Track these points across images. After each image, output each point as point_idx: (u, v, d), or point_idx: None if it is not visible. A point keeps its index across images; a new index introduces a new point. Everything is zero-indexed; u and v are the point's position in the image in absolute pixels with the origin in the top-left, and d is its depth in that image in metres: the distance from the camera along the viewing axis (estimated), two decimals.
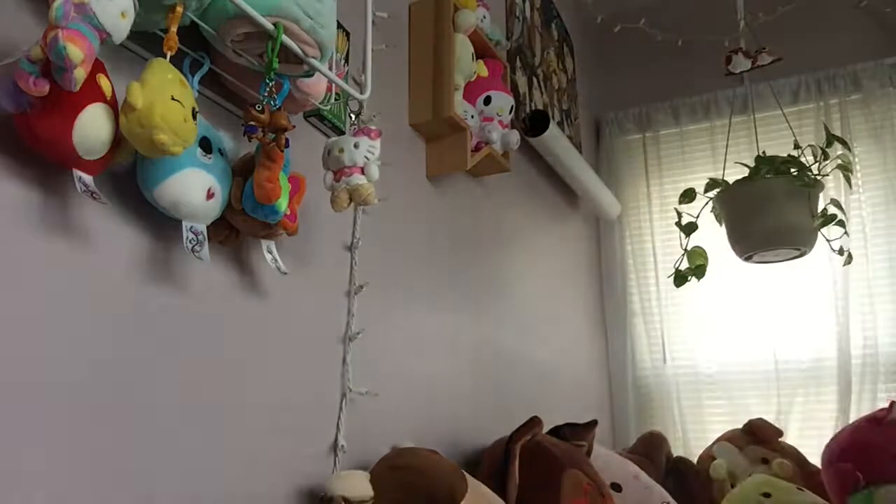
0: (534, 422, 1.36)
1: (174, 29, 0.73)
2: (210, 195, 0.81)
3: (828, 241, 1.89)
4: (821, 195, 1.88)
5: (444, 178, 1.58)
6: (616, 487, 1.58)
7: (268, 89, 0.83)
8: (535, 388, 1.98)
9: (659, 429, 2.34)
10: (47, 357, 0.72)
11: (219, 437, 0.91)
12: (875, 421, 1.69)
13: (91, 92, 0.68)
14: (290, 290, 1.06)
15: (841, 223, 1.83)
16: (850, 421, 1.98)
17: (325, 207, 1.03)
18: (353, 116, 1.25)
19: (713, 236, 2.01)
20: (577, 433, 1.54)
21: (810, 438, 2.29)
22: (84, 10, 0.62)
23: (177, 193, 0.78)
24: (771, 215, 1.85)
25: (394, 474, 1.02)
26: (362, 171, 0.99)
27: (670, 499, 1.61)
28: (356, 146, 0.99)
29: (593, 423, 1.60)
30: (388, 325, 1.31)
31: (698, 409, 2.62)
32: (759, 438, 2.00)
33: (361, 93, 1.06)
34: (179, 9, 0.73)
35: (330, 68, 0.95)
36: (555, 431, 1.52)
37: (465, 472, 1.09)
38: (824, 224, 1.83)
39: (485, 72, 1.64)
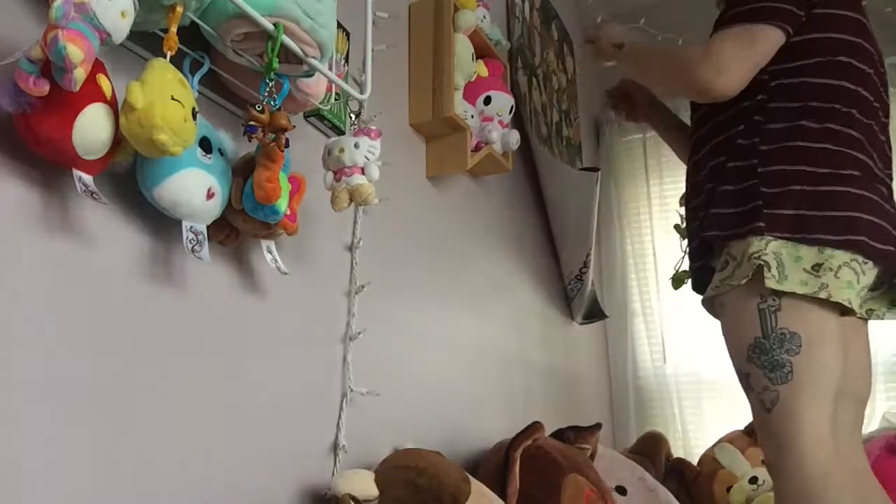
0: (535, 427, 1.35)
1: (174, 29, 0.73)
2: (210, 195, 0.81)
3: None
4: None
5: (444, 178, 1.58)
6: (621, 490, 1.58)
7: (268, 89, 0.83)
8: (534, 387, 1.98)
9: (659, 429, 2.34)
10: (47, 357, 0.72)
11: (219, 436, 0.91)
12: (893, 450, 1.70)
13: (91, 92, 0.68)
14: (290, 290, 1.06)
15: None
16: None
17: (325, 207, 1.03)
18: (353, 116, 1.25)
19: None
20: (580, 436, 1.53)
21: None
22: (84, 10, 0.62)
23: (177, 193, 0.78)
24: None
25: (398, 474, 1.02)
26: (362, 171, 0.99)
27: (675, 501, 1.60)
28: (356, 146, 0.99)
29: (597, 427, 1.59)
30: (388, 325, 1.30)
31: (698, 409, 2.62)
32: None
33: (361, 93, 1.06)
34: (179, 9, 0.73)
35: (330, 68, 0.95)
36: (558, 434, 1.52)
37: (469, 475, 1.09)
38: None
39: (485, 72, 1.64)
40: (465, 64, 1.51)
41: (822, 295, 1.13)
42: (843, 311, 1.17)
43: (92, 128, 0.68)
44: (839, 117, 1.22)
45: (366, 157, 0.99)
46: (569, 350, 2.34)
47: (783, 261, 1.16)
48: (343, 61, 1.20)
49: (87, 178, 0.71)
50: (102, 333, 0.77)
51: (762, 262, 1.16)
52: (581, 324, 2.43)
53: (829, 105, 1.23)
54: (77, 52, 0.61)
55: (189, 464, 0.86)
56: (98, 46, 0.64)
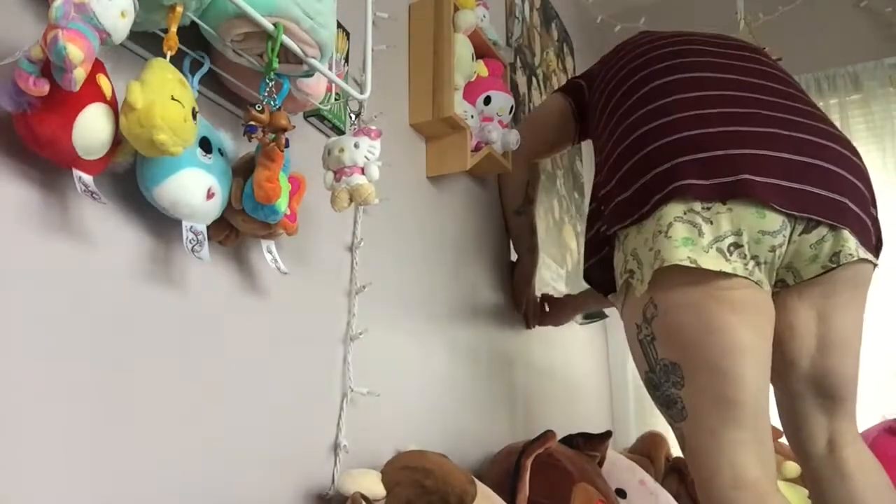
0: (547, 436, 1.33)
1: (174, 29, 0.73)
2: (210, 195, 0.81)
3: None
4: None
5: (444, 178, 1.58)
6: (621, 493, 1.57)
7: (268, 89, 0.83)
8: (535, 387, 1.97)
9: (659, 429, 2.34)
10: (47, 357, 0.72)
11: (218, 436, 0.91)
12: (893, 432, 1.69)
13: (91, 92, 0.68)
14: (290, 290, 1.06)
15: None
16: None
17: (325, 207, 1.03)
18: (353, 116, 1.25)
19: None
20: (590, 444, 1.52)
21: None
22: (84, 10, 0.62)
23: (177, 193, 0.78)
24: None
25: (405, 475, 1.02)
26: (362, 171, 0.99)
27: None
28: (356, 146, 0.99)
29: (607, 435, 1.58)
30: (388, 325, 1.30)
31: None
32: None
33: (361, 93, 1.06)
34: (179, 9, 0.73)
35: (330, 68, 0.95)
36: (568, 440, 1.52)
37: (474, 477, 1.09)
38: None
39: (485, 72, 1.64)
40: (465, 64, 1.51)
41: (657, 265, 0.97)
42: (745, 301, 0.98)
43: (92, 128, 0.68)
44: (622, 100, 1.20)
45: (366, 157, 0.99)
46: (569, 350, 2.33)
47: (639, 256, 1.02)
48: (343, 61, 1.20)
49: (87, 178, 0.71)
50: (102, 333, 0.77)
51: (627, 275, 1.04)
52: (581, 324, 2.42)
53: (612, 108, 1.24)
54: (77, 52, 0.61)
55: (189, 463, 0.86)
56: (98, 46, 0.64)
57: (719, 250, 0.96)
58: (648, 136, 1.06)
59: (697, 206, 0.97)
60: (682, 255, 0.94)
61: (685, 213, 0.96)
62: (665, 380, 1.01)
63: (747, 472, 0.95)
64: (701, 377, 0.98)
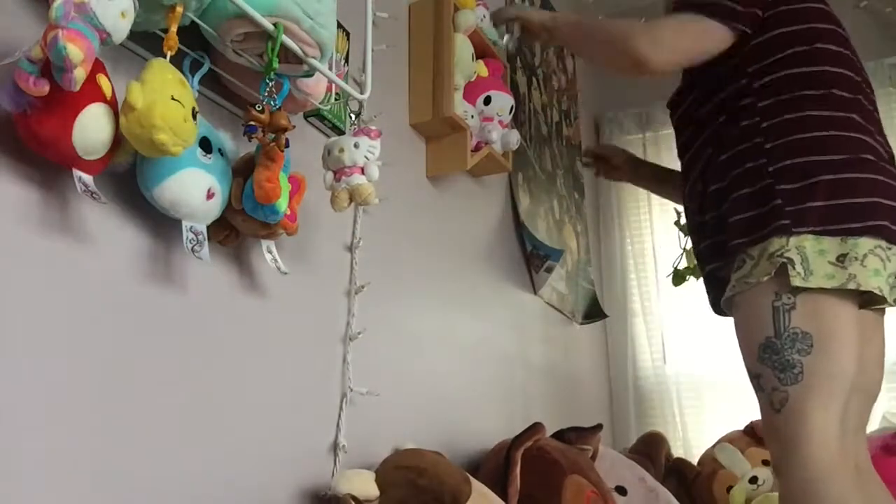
0: (536, 428, 1.35)
1: (174, 29, 0.73)
2: (210, 195, 0.81)
3: None
4: None
5: (444, 178, 1.58)
6: (621, 490, 1.58)
7: (268, 89, 0.83)
8: (534, 387, 1.98)
9: (659, 429, 2.34)
10: (46, 357, 0.72)
11: (218, 436, 0.91)
12: (889, 450, 1.69)
13: (91, 92, 0.68)
14: (290, 290, 1.06)
15: None
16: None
17: (325, 207, 1.03)
18: (353, 116, 1.25)
19: None
20: (581, 437, 1.53)
21: None
22: (84, 10, 0.62)
23: (176, 193, 0.78)
24: None
25: (399, 474, 1.02)
26: (362, 171, 0.99)
27: (675, 501, 1.60)
28: (356, 146, 0.99)
29: (598, 427, 1.59)
30: (388, 324, 1.31)
31: (698, 409, 2.61)
32: (760, 439, 1.99)
33: (361, 93, 1.06)
34: (179, 9, 0.73)
35: (330, 68, 0.95)
36: (559, 435, 1.52)
37: (469, 475, 1.09)
38: None
39: (485, 72, 1.64)
40: (465, 64, 1.51)
41: (852, 286, 1.10)
42: (862, 304, 1.15)
43: (92, 128, 0.68)
44: (838, 102, 1.21)
45: (366, 157, 1.00)
46: (569, 350, 2.33)
47: (807, 255, 1.13)
48: (343, 61, 1.20)
49: (87, 178, 0.71)
50: (102, 333, 0.77)
51: (785, 260, 1.12)
52: (581, 324, 2.42)
53: (825, 91, 1.21)
54: (77, 52, 0.61)
55: (189, 463, 0.86)
56: (98, 46, 0.64)
57: (888, 283, 1.14)
58: (856, 163, 1.17)
59: (884, 244, 1.13)
60: (874, 283, 1.11)
61: (875, 248, 1.12)
62: (790, 346, 1.12)
63: (835, 441, 1.10)
64: (831, 347, 1.11)
